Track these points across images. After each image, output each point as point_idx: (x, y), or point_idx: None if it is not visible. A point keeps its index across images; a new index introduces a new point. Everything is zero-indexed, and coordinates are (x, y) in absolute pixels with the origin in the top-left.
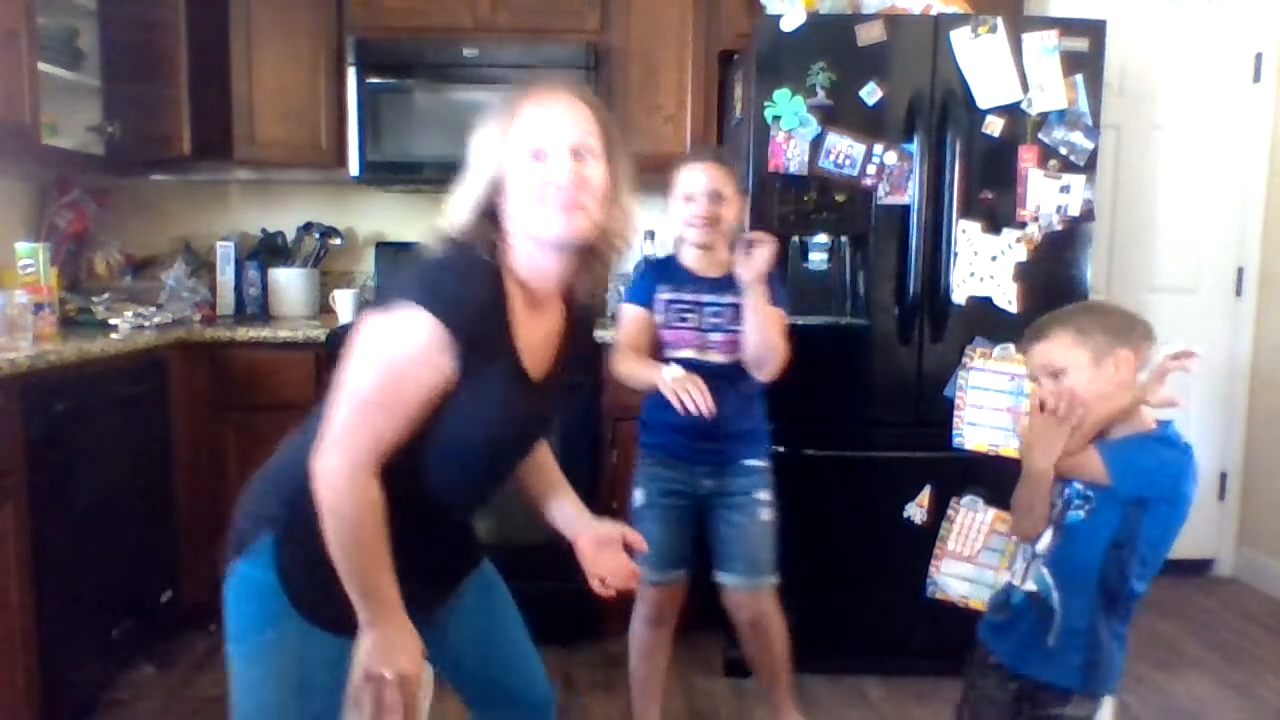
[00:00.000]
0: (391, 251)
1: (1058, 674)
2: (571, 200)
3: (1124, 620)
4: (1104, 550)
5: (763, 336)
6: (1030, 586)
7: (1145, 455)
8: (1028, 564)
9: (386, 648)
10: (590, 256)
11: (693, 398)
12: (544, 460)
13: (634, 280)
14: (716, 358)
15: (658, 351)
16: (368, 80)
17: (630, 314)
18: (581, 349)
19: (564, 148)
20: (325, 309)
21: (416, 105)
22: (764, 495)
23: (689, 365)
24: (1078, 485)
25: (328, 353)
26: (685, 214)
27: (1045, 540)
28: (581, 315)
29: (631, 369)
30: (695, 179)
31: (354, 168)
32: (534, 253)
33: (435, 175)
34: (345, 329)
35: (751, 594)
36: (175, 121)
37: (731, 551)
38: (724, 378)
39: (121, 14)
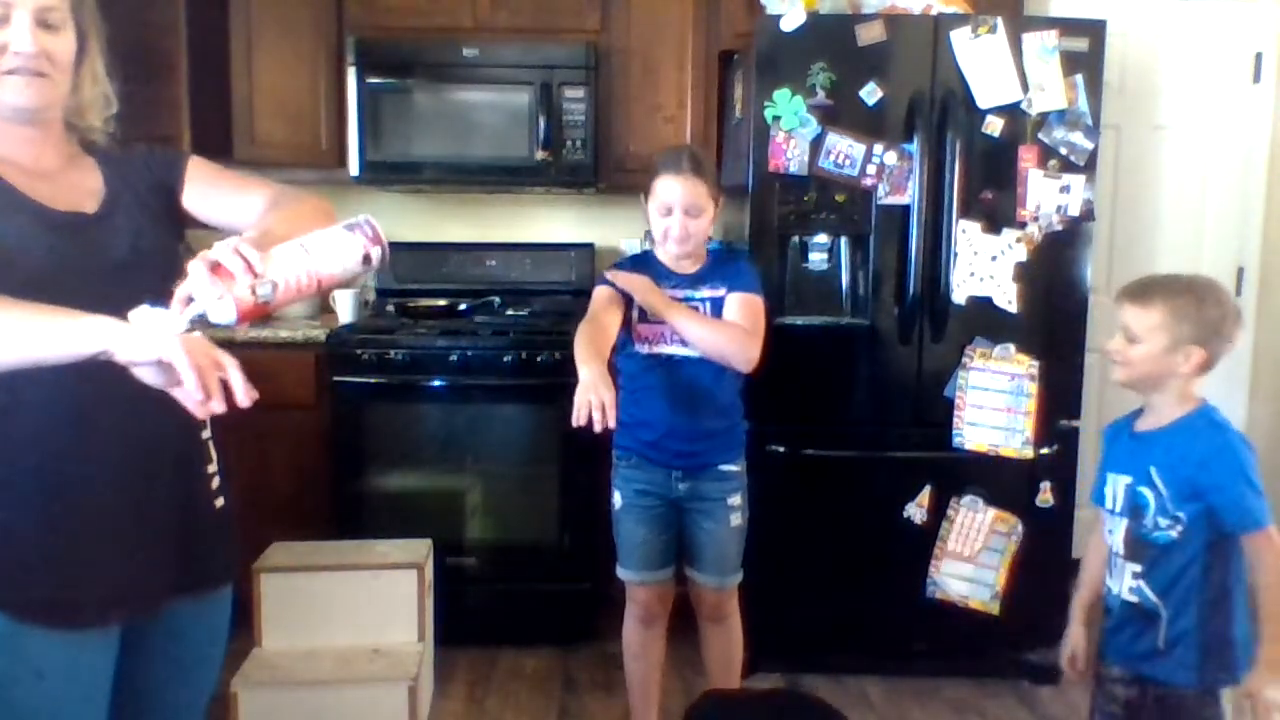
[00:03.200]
0: (391, 251)
1: (1172, 672)
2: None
3: (1244, 605)
4: (1205, 552)
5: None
6: (1130, 598)
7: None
8: (1117, 569)
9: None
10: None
11: (590, 411)
12: None
13: (611, 269)
14: (692, 350)
15: (624, 330)
16: (368, 80)
17: (600, 292)
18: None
19: (26, 11)
20: (325, 309)
21: (416, 105)
22: (736, 500)
23: (666, 359)
24: (1165, 504)
25: (328, 353)
26: (662, 226)
27: (1118, 541)
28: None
29: (578, 353)
30: (673, 192)
31: (354, 168)
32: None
33: (435, 175)
34: (346, 329)
35: (717, 591)
36: (175, 121)
37: (703, 554)
38: (700, 371)
39: (121, 14)
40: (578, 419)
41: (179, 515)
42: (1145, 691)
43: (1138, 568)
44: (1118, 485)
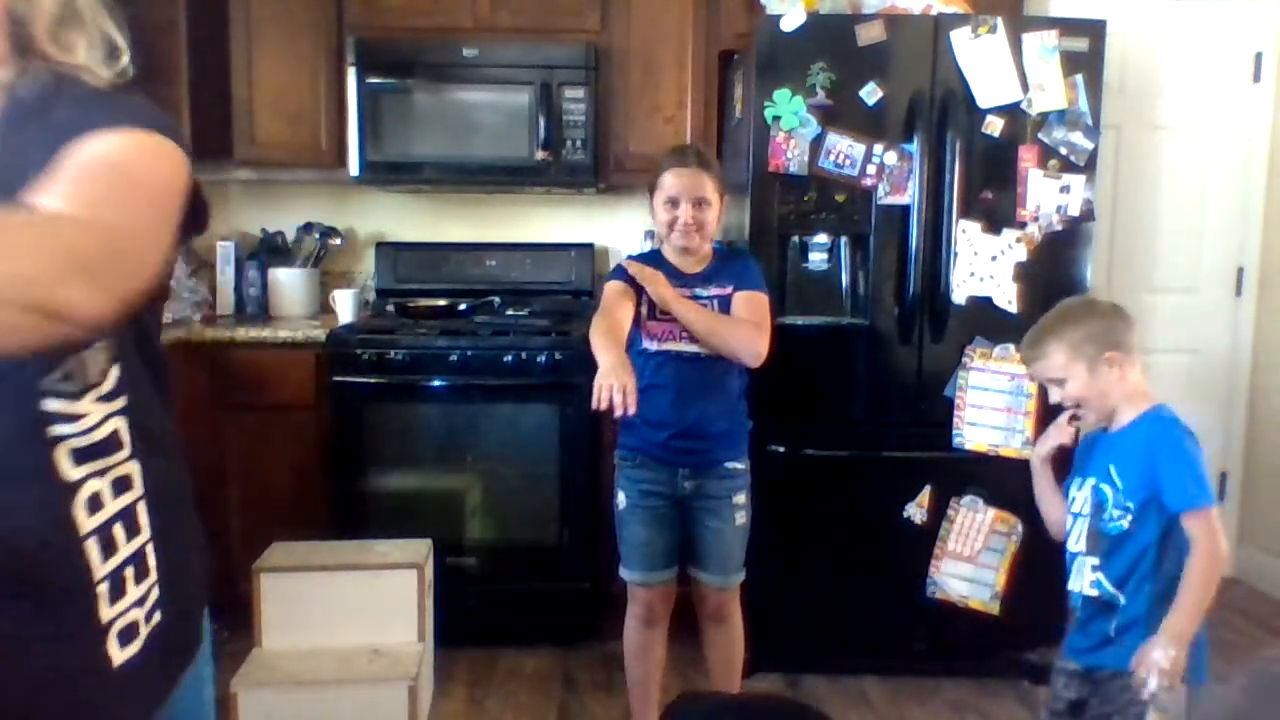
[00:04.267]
0: (392, 251)
1: (1118, 658)
2: None
3: None
4: (1156, 543)
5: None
6: (1091, 591)
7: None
8: (1078, 568)
9: None
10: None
11: (611, 394)
12: None
13: (618, 266)
14: (701, 348)
15: (636, 322)
16: (368, 80)
17: (612, 287)
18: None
19: None
20: (325, 309)
21: (416, 105)
22: (741, 499)
23: (674, 356)
24: (1119, 497)
25: (328, 353)
26: (669, 218)
27: (1079, 540)
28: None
29: (596, 343)
30: (680, 185)
31: (354, 168)
32: None
33: (435, 175)
34: (346, 329)
35: (720, 591)
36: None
37: (707, 552)
38: (708, 368)
39: (121, 14)
40: (598, 403)
41: (65, 672)
42: (1091, 682)
43: (1095, 560)
44: (1085, 488)
